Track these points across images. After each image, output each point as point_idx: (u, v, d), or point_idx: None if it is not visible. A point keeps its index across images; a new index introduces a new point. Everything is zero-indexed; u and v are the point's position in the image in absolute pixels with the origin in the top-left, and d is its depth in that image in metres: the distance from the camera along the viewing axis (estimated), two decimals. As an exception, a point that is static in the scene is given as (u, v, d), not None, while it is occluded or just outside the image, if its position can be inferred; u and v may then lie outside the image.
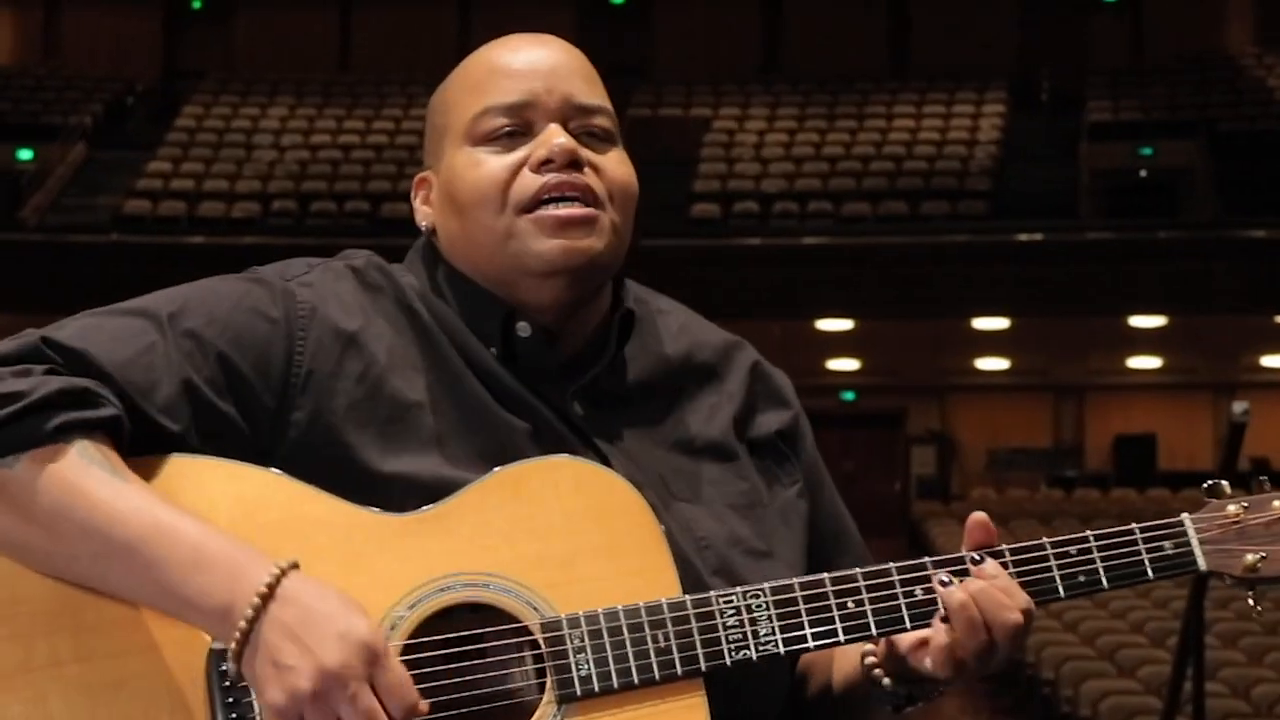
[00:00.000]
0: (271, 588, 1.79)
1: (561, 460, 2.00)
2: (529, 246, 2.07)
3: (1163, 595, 14.94)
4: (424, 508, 1.95)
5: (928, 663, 2.00)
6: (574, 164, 2.09)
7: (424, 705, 1.80)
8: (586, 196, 2.09)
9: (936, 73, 27.71)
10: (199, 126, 26.74)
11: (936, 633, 1.99)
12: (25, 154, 24.81)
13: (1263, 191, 22.72)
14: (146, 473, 1.92)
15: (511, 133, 2.11)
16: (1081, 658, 13.36)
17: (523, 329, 2.09)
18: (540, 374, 2.10)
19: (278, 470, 1.96)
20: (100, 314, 2.03)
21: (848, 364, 26.83)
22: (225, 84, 28.45)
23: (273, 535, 1.90)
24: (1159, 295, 21.87)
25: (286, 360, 2.02)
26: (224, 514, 1.91)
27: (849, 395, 27.62)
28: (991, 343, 25.25)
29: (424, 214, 2.19)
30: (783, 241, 22.51)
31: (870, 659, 2.07)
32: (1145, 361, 26.34)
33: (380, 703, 1.77)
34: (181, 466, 1.94)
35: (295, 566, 1.82)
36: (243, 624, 1.79)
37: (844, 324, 23.46)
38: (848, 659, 2.15)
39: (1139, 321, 23.20)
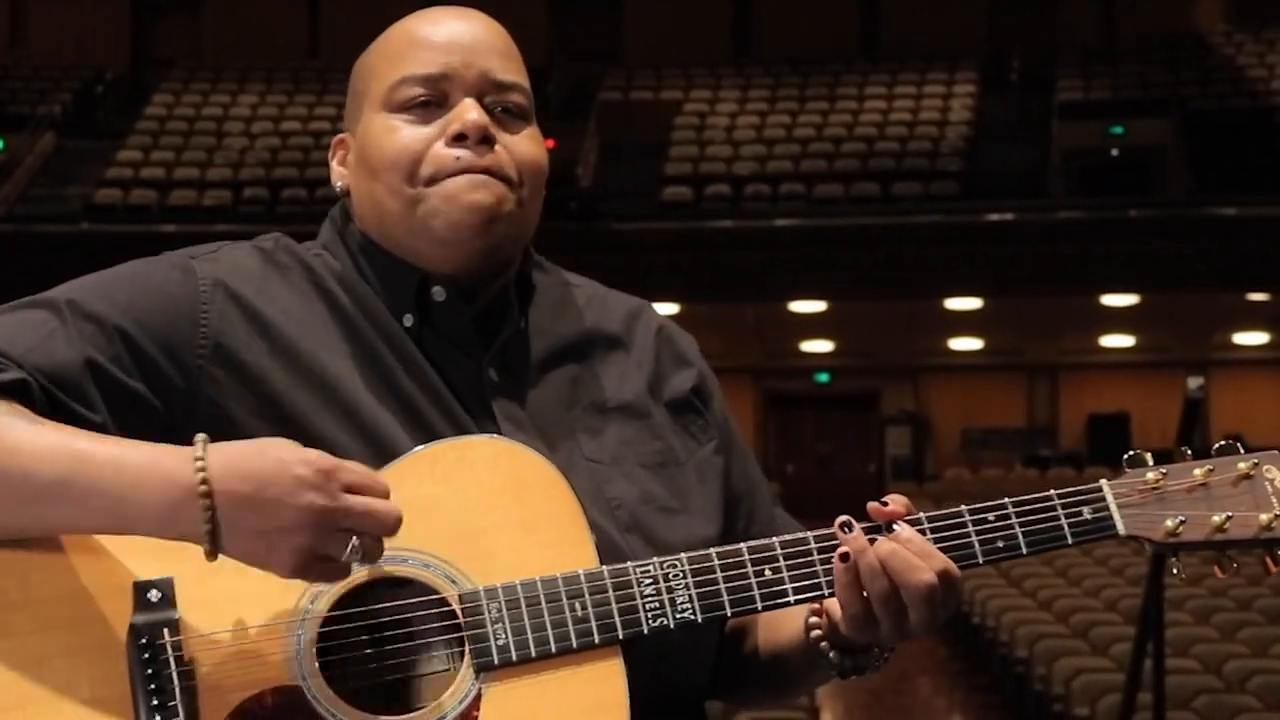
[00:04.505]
0: (205, 476, 1.79)
1: (478, 439, 2.02)
2: (437, 211, 2.09)
3: (1136, 573, 14.99)
4: None
5: (842, 628, 2.01)
6: (485, 140, 2.11)
7: (386, 483, 1.85)
8: (497, 174, 2.11)
9: (907, 54, 27.74)
10: (169, 115, 26.68)
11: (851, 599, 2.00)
12: (-6, 144, 24.77)
13: (1234, 170, 22.79)
14: None
15: (426, 103, 2.14)
16: (1055, 635, 13.39)
17: (438, 293, 2.12)
18: (455, 339, 2.13)
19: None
20: (0, 310, 2.04)
21: (821, 346, 26.88)
22: (195, 72, 28.40)
23: None
24: (1131, 274, 21.91)
25: (191, 335, 2.03)
26: None
27: (823, 377, 27.70)
28: (964, 323, 25.31)
29: (339, 174, 2.23)
30: (755, 224, 22.52)
31: (816, 631, 2.08)
32: (1118, 340, 26.42)
33: None
34: None
35: (205, 443, 1.83)
36: (205, 523, 1.79)
37: (817, 306, 23.48)
38: (782, 627, 2.16)
39: (1111, 300, 23.26)
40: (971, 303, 23.43)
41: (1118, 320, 24.96)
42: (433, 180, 2.10)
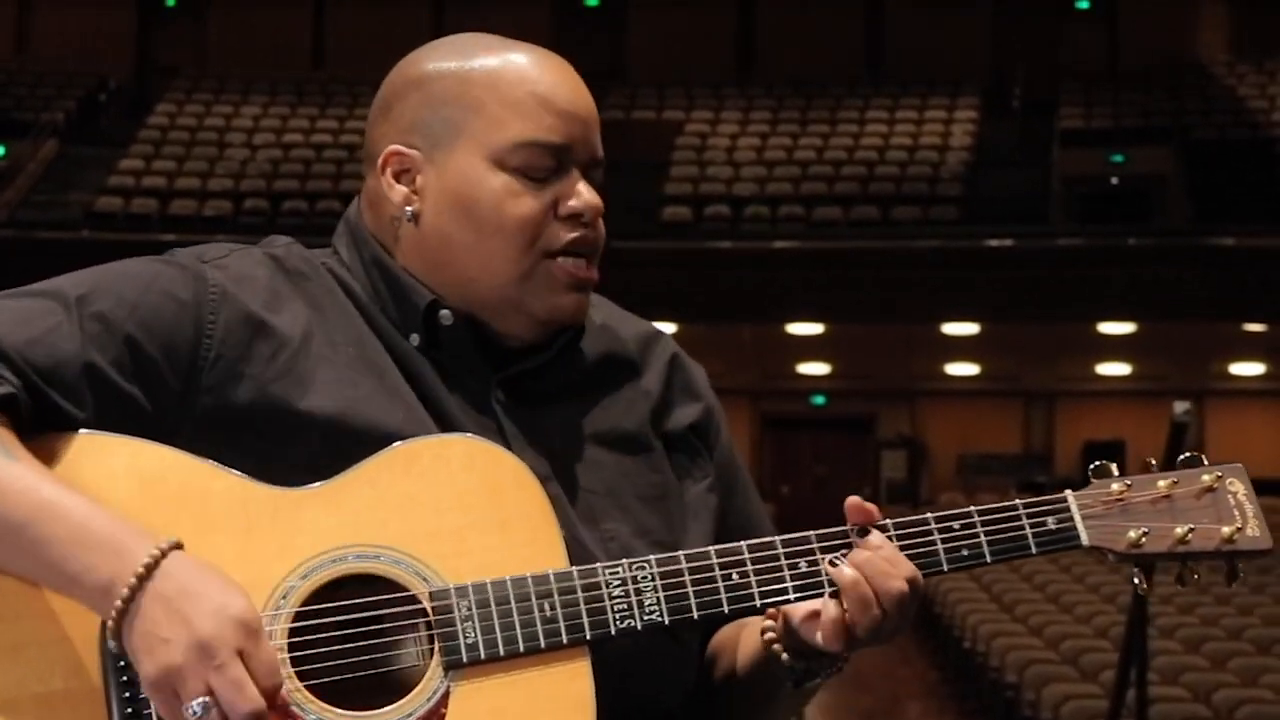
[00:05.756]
0: (152, 565, 1.81)
1: (454, 438, 2.04)
2: (543, 292, 2.11)
3: (1128, 600, 14.98)
4: (318, 483, 1.98)
5: (819, 636, 2.02)
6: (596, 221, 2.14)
7: (286, 686, 1.83)
8: (597, 254, 2.16)
9: (910, 78, 27.78)
10: (172, 124, 26.71)
11: (827, 606, 2.02)
12: (-3, 149, 24.80)
13: (1233, 199, 22.82)
14: (48, 449, 1.94)
15: (547, 172, 2.13)
16: (1044, 661, 13.39)
17: (445, 317, 2.12)
18: (461, 363, 2.14)
19: (179, 449, 1.98)
20: (8, 295, 2.06)
21: (818, 368, 26.88)
22: (198, 81, 28.42)
23: (169, 507, 1.93)
24: (1129, 302, 21.93)
25: (195, 342, 2.04)
26: (122, 487, 1.93)
27: (820, 399, 27.67)
28: (962, 348, 25.32)
29: (403, 196, 2.16)
30: (754, 245, 22.54)
31: (769, 635, 2.09)
32: (1115, 368, 26.43)
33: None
34: (83, 442, 1.96)
35: (178, 546, 1.84)
36: (121, 598, 1.80)
37: (815, 328, 23.50)
38: (751, 644, 2.17)
39: (1109, 328, 23.27)
40: (969, 328, 23.45)
41: (1115, 348, 24.97)
42: (548, 253, 2.12)
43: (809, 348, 25.39)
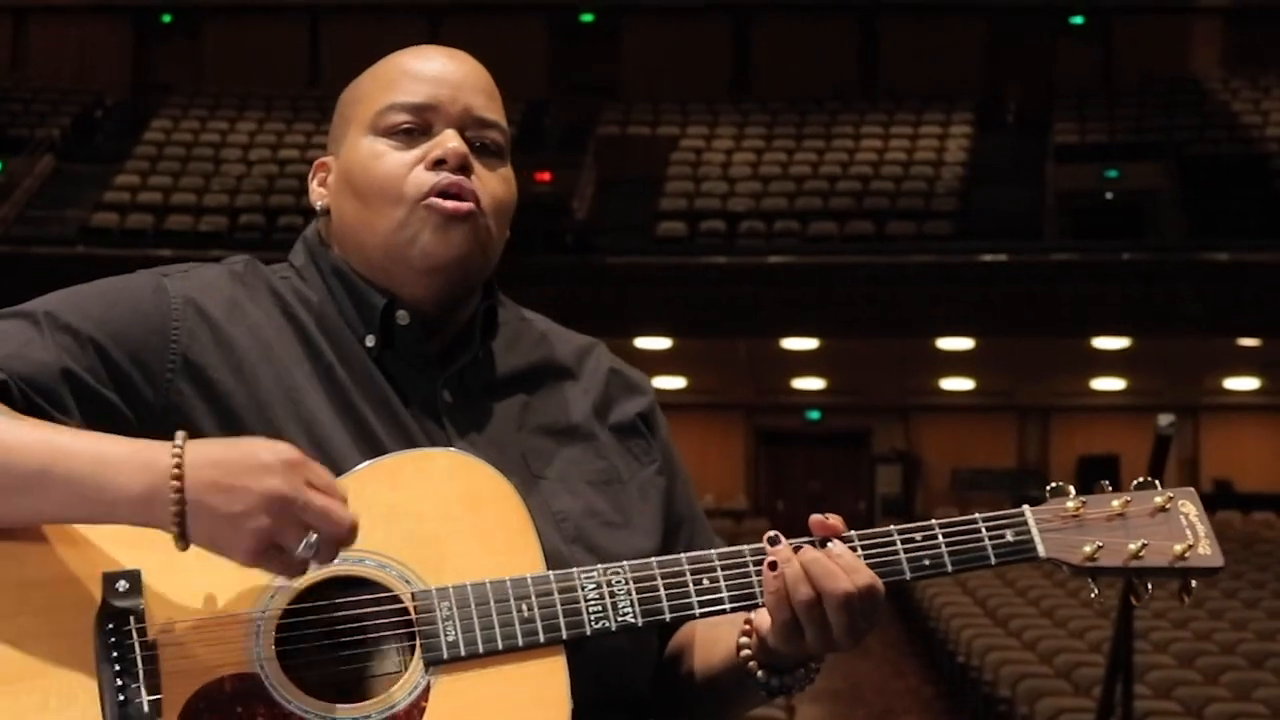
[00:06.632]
0: (179, 463, 1.89)
1: (437, 452, 2.15)
2: (418, 237, 2.21)
3: (1121, 615, 14.99)
4: None
5: (770, 639, 2.11)
6: (464, 168, 2.23)
7: (346, 490, 1.94)
8: (471, 198, 2.22)
9: (904, 94, 27.84)
10: (167, 140, 26.76)
11: (780, 608, 2.10)
12: (-8, 165, 24.83)
13: (1227, 215, 22.89)
14: None
15: (410, 130, 2.25)
16: (1038, 675, 13.42)
17: (401, 317, 2.23)
18: (414, 362, 2.24)
19: None
20: None
21: (813, 383, 26.92)
22: (194, 97, 28.48)
23: None
24: (1123, 317, 21.96)
25: (161, 349, 2.13)
26: None
27: (814, 414, 27.72)
28: (956, 363, 25.35)
29: (319, 194, 2.33)
30: (749, 260, 22.57)
31: (745, 650, 2.17)
32: (1109, 383, 26.48)
33: None
34: None
35: (185, 436, 1.92)
36: (174, 505, 1.88)
37: (809, 343, 23.52)
38: (716, 650, 2.26)
39: (1103, 343, 23.30)
40: (963, 343, 23.48)
41: (1109, 363, 25.00)
42: (414, 201, 2.21)
43: (804, 363, 25.41)
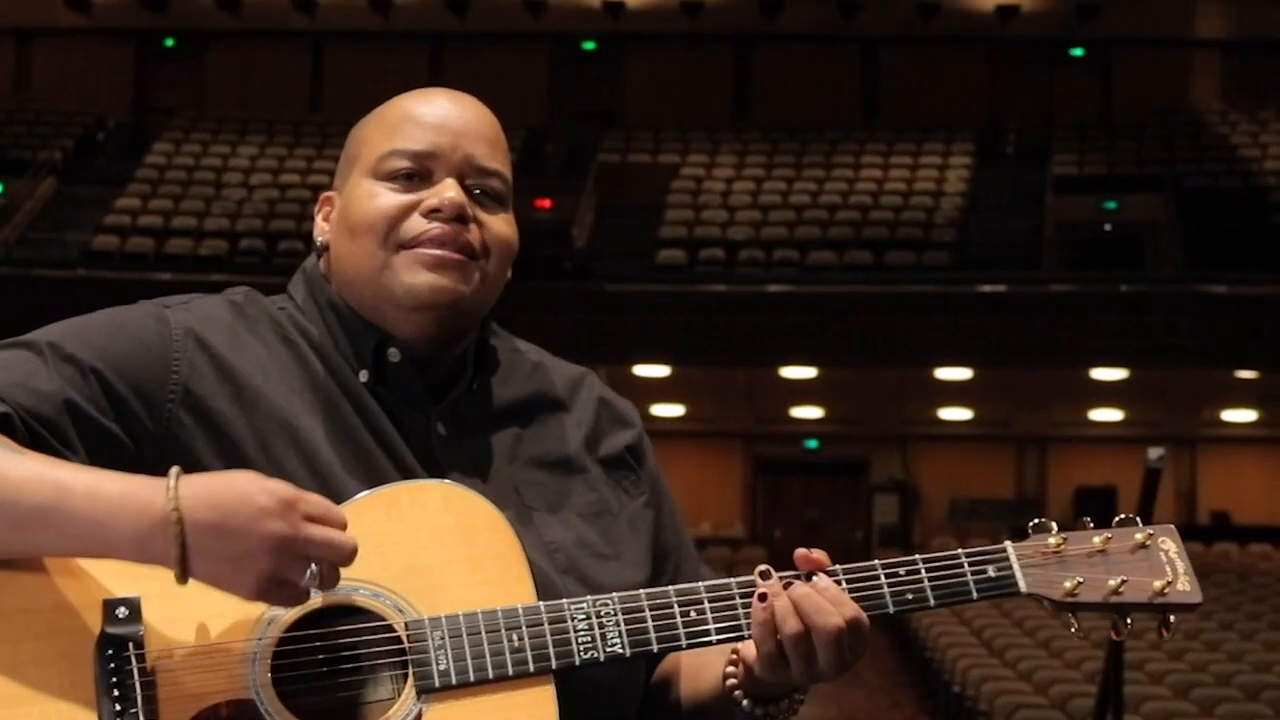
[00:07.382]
0: (176, 505, 1.91)
1: (432, 483, 2.18)
2: (400, 279, 2.24)
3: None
4: None
5: (756, 669, 2.15)
6: (460, 218, 2.26)
7: (344, 515, 1.98)
8: (465, 250, 2.26)
9: (904, 124, 27.90)
10: (169, 163, 26.80)
11: (766, 639, 2.13)
12: (-6, 187, 24.87)
13: (1225, 247, 22.91)
14: None
15: (410, 175, 2.29)
16: (1034, 706, 13.42)
17: (393, 355, 2.27)
18: (407, 397, 2.27)
19: None
20: None
21: (812, 412, 26.92)
22: (196, 121, 28.53)
23: None
24: (1121, 348, 21.98)
25: (163, 380, 2.16)
26: None
27: (813, 443, 27.72)
28: (955, 393, 25.37)
29: (321, 229, 2.37)
30: (748, 289, 22.59)
31: (731, 680, 2.21)
32: (1107, 414, 26.49)
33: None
34: None
35: (178, 475, 1.94)
36: (176, 549, 1.91)
37: (808, 372, 23.54)
38: (703, 679, 2.30)
39: (1101, 374, 23.31)
40: (962, 373, 23.49)
41: (1107, 394, 25.02)
42: (402, 245, 2.25)
43: (802, 391, 25.43)
